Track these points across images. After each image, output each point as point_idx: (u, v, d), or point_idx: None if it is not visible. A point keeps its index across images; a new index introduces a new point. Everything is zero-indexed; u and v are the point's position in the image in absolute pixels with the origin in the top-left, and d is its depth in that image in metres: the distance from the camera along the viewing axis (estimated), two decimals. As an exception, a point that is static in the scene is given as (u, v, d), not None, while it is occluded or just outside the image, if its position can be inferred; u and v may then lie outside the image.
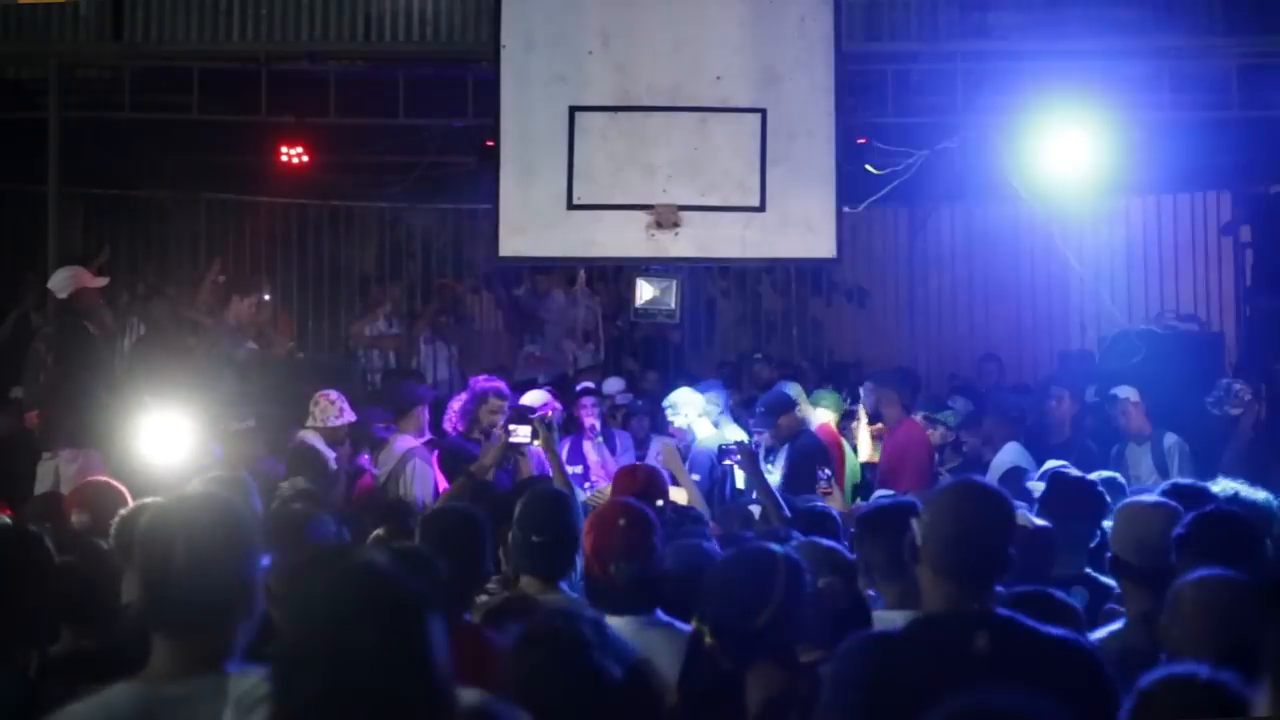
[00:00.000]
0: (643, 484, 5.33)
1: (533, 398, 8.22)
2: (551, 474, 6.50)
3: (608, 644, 2.71)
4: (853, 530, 4.38)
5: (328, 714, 1.80)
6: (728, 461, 6.83)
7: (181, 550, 2.38)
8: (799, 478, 7.38)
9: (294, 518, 4.32)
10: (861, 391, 9.26)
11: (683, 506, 6.00)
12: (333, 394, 7.80)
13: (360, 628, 1.82)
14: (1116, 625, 3.80)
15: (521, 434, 6.68)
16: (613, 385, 10.34)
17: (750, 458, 6.49)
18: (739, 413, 9.14)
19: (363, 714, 1.78)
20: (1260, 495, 4.42)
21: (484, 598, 4.21)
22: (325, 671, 1.80)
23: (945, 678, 2.63)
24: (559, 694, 2.56)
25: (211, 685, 2.35)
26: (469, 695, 2.18)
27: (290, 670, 1.84)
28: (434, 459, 7.59)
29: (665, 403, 8.79)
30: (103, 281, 8.34)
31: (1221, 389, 8.41)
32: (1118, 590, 4.21)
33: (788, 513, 5.53)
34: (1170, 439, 8.16)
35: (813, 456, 7.54)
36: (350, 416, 7.77)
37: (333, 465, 7.50)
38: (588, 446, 8.74)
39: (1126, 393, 8.34)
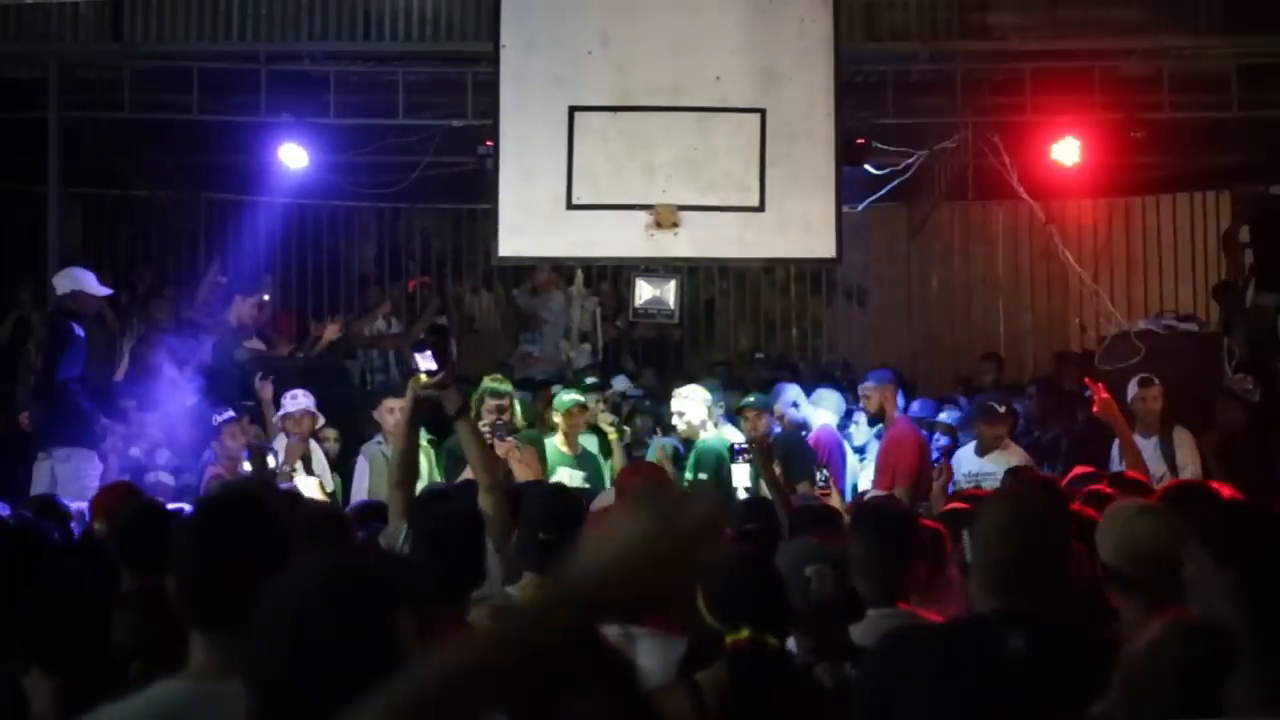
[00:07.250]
0: (645, 479, 5.31)
1: None
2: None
3: None
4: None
5: (291, 705, 1.80)
6: (741, 460, 6.84)
7: (221, 548, 2.37)
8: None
9: None
10: (861, 390, 9.13)
11: None
12: (295, 391, 7.99)
13: (324, 619, 1.81)
14: None
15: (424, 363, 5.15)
16: (620, 382, 10.34)
17: (762, 455, 6.56)
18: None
19: (324, 706, 1.79)
20: None
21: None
22: (288, 661, 1.80)
23: (979, 676, 2.65)
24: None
25: None
26: None
27: (255, 659, 1.84)
28: None
29: (675, 397, 8.72)
30: (106, 293, 8.39)
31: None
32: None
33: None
34: (1182, 434, 8.09)
35: (788, 458, 7.52)
36: (289, 408, 7.87)
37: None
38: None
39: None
